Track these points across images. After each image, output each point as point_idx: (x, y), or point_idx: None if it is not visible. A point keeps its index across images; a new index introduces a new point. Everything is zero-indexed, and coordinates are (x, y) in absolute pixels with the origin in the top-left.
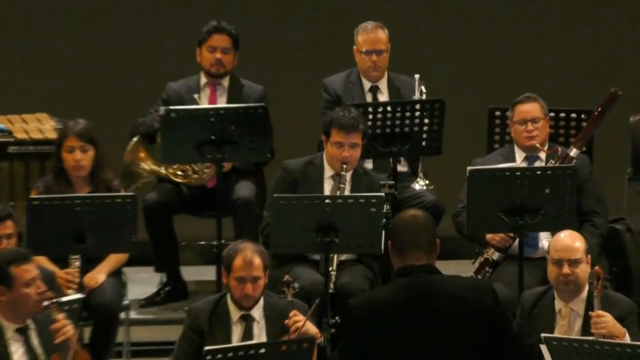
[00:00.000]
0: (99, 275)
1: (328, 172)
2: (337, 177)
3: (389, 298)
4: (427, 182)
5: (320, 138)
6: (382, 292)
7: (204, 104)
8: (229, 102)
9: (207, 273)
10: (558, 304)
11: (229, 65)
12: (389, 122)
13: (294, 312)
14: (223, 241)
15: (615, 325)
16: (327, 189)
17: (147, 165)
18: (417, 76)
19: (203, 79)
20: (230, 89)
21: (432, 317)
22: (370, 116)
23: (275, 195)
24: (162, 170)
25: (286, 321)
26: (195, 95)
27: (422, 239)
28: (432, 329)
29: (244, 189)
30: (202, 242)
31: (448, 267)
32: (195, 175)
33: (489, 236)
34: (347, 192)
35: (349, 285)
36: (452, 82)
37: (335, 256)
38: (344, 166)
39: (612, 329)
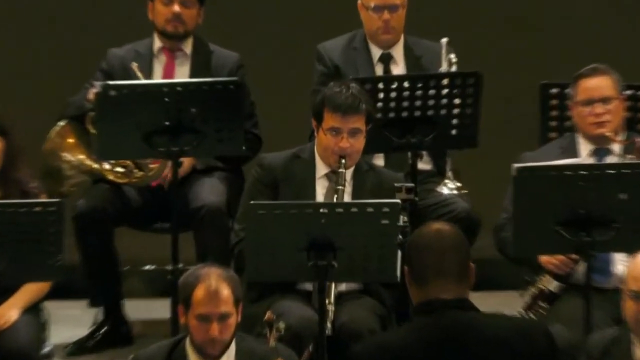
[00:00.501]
0: (9, 312)
1: (321, 169)
2: (334, 176)
3: (406, 344)
4: (458, 184)
5: (312, 126)
6: (396, 335)
7: (158, 77)
8: (192, 74)
9: (159, 309)
10: (638, 351)
11: (190, 23)
12: (406, 103)
13: None
14: (181, 265)
15: None
16: (320, 192)
17: (74, 156)
18: (444, 40)
19: (157, 43)
20: (194, 57)
21: None
22: (381, 95)
23: (252, 202)
24: (94, 165)
25: None
26: (134, 65)
27: (450, 262)
28: None
29: (211, 193)
30: (153, 267)
31: (487, 301)
32: (139, 173)
33: (543, 259)
34: (347, 197)
35: (351, 324)
36: (490, 49)
37: (333, 285)
38: (343, 161)
39: None
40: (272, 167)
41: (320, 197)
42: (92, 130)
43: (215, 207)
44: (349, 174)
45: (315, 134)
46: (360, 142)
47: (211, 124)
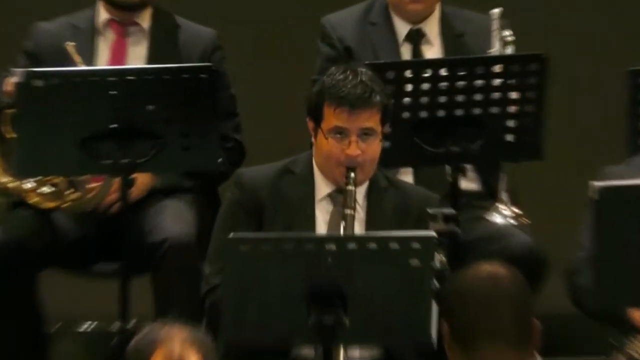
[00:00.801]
0: None
1: (322, 187)
2: (339, 197)
3: None
4: (516, 210)
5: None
6: None
7: (103, 61)
8: (151, 57)
9: None
10: None
11: None
12: (443, 99)
13: None
14: (132, 322)
15: None
16: (322, 220)
17: None
18: (496, 11)
19: (102, 14)
20: (153, 34)
21: None
22: (409, 87)
23: (232, 235)
24: (10, 183)
25: None
26: (70, 45)
27: (506, 319)
28: None
29: (175, 223)
30: (93, 325)
31: None
32: (73, 194)
33: (636, 314)
34: (358, 226)
35: None
36: (558, 24)
37: (342, 352)
38: (352, 175)
39: None
40: (254, 186)
41: (321, 227)
42: (10, 135)
43: (181, 242)
44: (361, 193)
45: (313, 139)
46: (374, 148)
47: (175, 126)
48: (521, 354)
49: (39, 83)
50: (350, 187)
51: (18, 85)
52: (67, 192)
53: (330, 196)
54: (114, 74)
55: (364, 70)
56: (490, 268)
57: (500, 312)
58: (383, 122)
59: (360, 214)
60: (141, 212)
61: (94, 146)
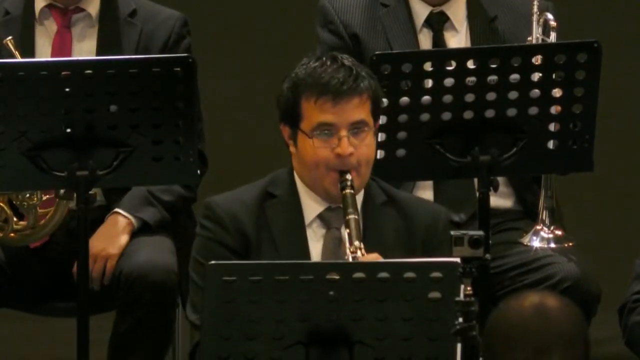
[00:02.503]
0: None
1: (310, 208)
2: (333, 216)
3: None
4: (559, 232)
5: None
6: None
7: (43, 55)
8: (101, 51)
9: None
10: None
11: None
12: (471, 97)
13: None
14: None
15: None
16: (316, 248)
17: None
18: None
19: (40, 0)
20: (105, 19)
21: None
22: (430, 83)
23: (212, 262)
24: None
25: None
26: (9, 41)
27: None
28: None
29: (150, 251)
30: None
31: None
32: (18, 223)
33: None
34: (358, 251)
35: None
36: (610, 8)
37: None
38: (347, 177)
39: None
40: (235, 220)
41: (316, 255)
42: None
43: (157, 275)
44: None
45: (292, 148)
46: (369, 144)
47: (145, 131)
48: None
49: None
50: (349, 191)
51: None
52: (13, 220)
53: (320, 217)
54: (68, 67)
55: (344, 55)
56: (541, 298)
57: (547, 354)
58: (375, 113)
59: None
60: (100, 236)
61: (45, 155)
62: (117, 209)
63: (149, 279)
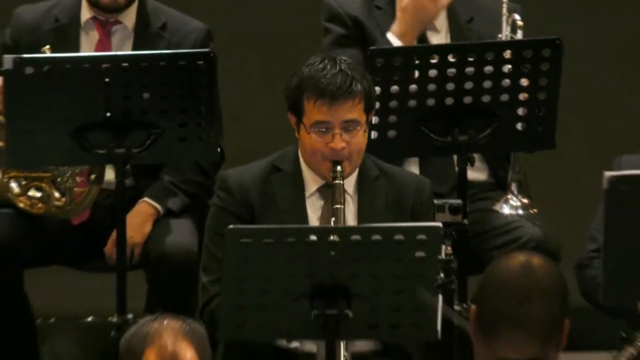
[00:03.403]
0: None
1: (311, 183)
2: (329, 192)
3: None
4: (525, 201)
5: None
6: None
7: None
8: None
9: None
10: None
11: None
12: (451, 86)
13: None
14: (130, 316)
15: None
16: (314, 216)
17: None
18: None
19: (85, 12)
20: (139, 31)
21: None
22: (417, 73)
23: (231, 227)
24: None
25: None
26: (46, 49)
27: (535, 310)
28: None
29: (178, 232)
30: (89, 319)
31: None
32: (59, 199)
33: None
34: (351, 219)
35: None
36: (569, 9)
37: (343, 346)
38: (338, 168)
39: None
40: (242, 189)
41: (314, 223)
42: None
43: (179, 256)
44: (351, 184)
45: (296, 134)
46: (359, 139)
47: (173, 115)
48: (543, 348)
49: (29, 70)
50: (338, 181)
51: (8, 73)
52: (55, 197)
53: (319, 191)
54: (107, 61)
55: (343, 58)
56: (529, 257)
57: (531, 304)
58: (367, 111)
59: (351, 207)
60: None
61: (88, 136)
62: (145, 198)
63: (172, 260)
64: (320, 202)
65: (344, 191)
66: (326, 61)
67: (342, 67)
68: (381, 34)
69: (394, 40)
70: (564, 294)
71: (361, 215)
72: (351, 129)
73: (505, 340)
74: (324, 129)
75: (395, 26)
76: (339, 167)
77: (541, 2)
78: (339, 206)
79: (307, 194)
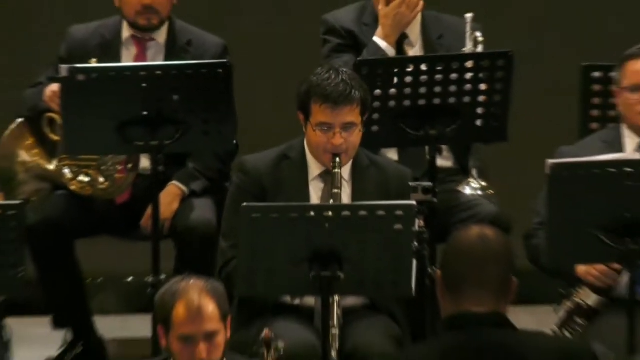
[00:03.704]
0: None
1: (314, 169)
2: (329, 177)
3: None
4: (483, 183)
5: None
6: (418, 353)
7: None
8: None
9: (138, 326)
10: None
11: (164, 11)
12: (423, 90)
13: None
14: (162, 276)
15: None
16: (315, 196)
17: (30, 156)
18: (468, 16)
19: (126, 31)
20: (169, 47)
21: None
22: (395, 80)
23: (245, 204)
24: (50, 167)
25: None
26: (93, 60)
27: (490, 272)
28: None
29: (200, 209)
30: (129, 279)
31: (516, 317)
32: (104, 183)
33: (581, 269)
34: (346, 200)
35: (362, 350)
36: (521, 27)
37: (336, 300)
38: (337, 160)
39: None
40: (257, 172)
41: (315, 202)
42: (51, 135)
43: (201, 229)
44: (346, 172)
45: (304, 129)
46: (355, 137)
47: (197, 114)
48: (499, 302)
49: (81, 77)
50: (337, 170)
51: (64, 79)
52: (100, 182)
53: (321, 176)
54: (144, 70)
55: (344, 70)
56: (483, 230)
57: (486, 267)
58: (363, 113)
59: (347, 190)
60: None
61: (128, 130)
62: (174, 182)
63: (196, 231)
64: (321, 185)
65: (341, 178)
66: (331, 72)
67: (344, 78)
68: (369, 41)
69: (380, 42)
70: (512, 258)
71: (354, 197)
72: (349, 129)
73: (468, 296)
74: (326, 128)
75: (380, 31)
76: (337, 159)
77: (498, 23)
78: (336, 190)
79: (310, 178)
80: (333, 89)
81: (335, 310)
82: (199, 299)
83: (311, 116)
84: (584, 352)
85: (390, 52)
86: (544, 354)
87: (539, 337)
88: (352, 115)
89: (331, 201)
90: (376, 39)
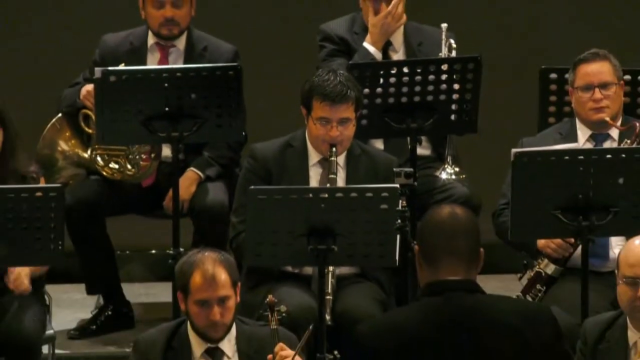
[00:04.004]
0: (26, 280)
1: (313, 156)
2: (326, 164)
3: (412, 324)
4: (456, 169)
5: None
6: (400, 315)
7: None
8: None
9: (160, 292)
10: (633, 335)
11: (184, 22)
12: (405, 89)
13: (280, 345)
14: (181, 249)
15: None
16: (314, 180)
17: (68, 146)
18: (444, 26)
19: (151, 39)
20: (187, 53)
21: (470, 354)
22: (381, 80)
23: (252, 187)
24: (85, 155)
25: (269, 357)
26: (122, 65)
27: (461, 244)
28: None
29: (214, 192)
30: (153, 251)
31: (486, 284)
32: (131, 170)
33: (541, 243)
34: (341, 184)
35: (352, 311)
36: (489, 35)
37: (331, 270)
38: (334, 149)
39: None
40: (264, 157)
41: (314, 184)
42: (86, 128)
43: (215, 209)
44: (341, 159)
45: (305, 122)
46: (350, 130)
47: (212, 109)
48: (470, 270)
49: (112, 78)
50: (333, 158)
51: (97, 80)
52: (124, 164)
53: (319, 163)
54: (166, 72)
55: (342, 72)
56: (453, 208)
57: (458, 240)
58: (356, 110)
59: (342, 175)
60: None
61: (153, 124)
62: (192, 168)
63: (210, 211)
64: (320, 170)
65: (337, 164)
66: (330, 74)
67: (341, 79)
68: (360, 47)
69: (369, 47)
70: (478, 231)
71: (348, 181)
72: (345, 123)
73: (443, 266)
74: (325, 122)
75: (369, 37)
76: (334, 149)
77: (469, 31)
78: (333, 176)
79: (310, 164)
80: (332, 88)
81: (330, 279)
82: (213, 269)
83: (312, 111)
84: (544, 313)
85: (378, 56)
86: (509, 314)
87: (505, 301)
88: (347, 111)
89: (328, 185)
90: (366, 44)
